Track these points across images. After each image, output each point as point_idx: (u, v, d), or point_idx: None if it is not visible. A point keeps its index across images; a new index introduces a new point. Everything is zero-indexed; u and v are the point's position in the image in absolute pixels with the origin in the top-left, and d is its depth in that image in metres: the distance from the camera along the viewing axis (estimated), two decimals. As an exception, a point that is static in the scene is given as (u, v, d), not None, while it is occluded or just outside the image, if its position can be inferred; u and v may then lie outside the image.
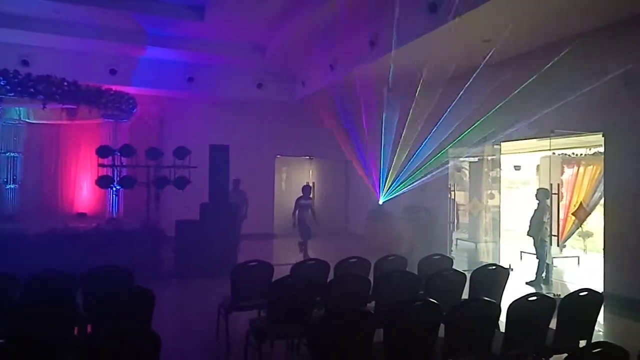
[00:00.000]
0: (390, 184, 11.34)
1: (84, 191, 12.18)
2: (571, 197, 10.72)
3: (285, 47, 10.89)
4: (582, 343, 3.81)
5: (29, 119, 10.92)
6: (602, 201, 8.91)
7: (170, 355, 2.85)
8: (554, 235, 8.46)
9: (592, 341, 3.80)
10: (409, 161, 10.99)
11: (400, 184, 11.21)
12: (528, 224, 8.55)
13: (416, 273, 5.09)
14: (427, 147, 10.96)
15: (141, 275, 4.70)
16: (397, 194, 11.17)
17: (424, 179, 10.60)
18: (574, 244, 11.31)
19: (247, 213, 10.84)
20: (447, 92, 10.28)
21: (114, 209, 11.13)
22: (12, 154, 11.24)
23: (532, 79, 8.48)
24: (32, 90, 8.64)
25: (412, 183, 10.84)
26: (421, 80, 10.38)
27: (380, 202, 11.40)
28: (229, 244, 8.70)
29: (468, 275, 4.83)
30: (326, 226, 14.36)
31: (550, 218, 8.37)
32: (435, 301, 3.49)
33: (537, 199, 8.51)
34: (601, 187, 9.28)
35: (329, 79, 11.05)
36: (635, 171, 6.79)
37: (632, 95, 6.83)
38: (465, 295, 4.74)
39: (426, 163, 10.67)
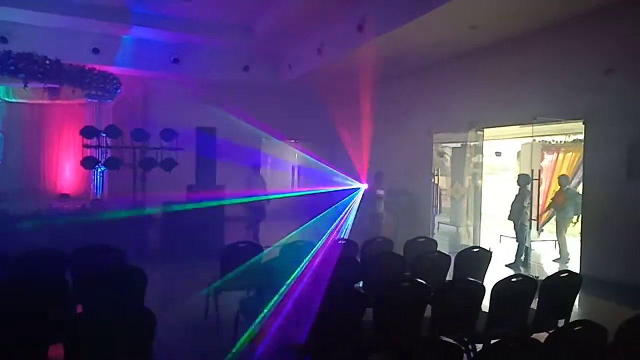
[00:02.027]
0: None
1: (66, 172, 12.01)
2: (550, 183, 10.99)
3: (273, 29, 10.81)
4: (561, 322, 3.99)
5: (9, 98, 10.67)
6: (579, 188, 9.16)
7: (160, 335, 2.89)
8: (534, 220, 8.68)
9: (570, 320, 3.99)
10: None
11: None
12: (509, 208, 8.76)
13: (402, 255, 5.20)
14: (412, 132, 11.09)
15: (127, 256, 4.70)
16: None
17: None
18: (551, 229, 11.60)
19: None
20: (433, 78, 10.39)
21: (98, 190, 11.01)
22: (-8, 134, 11.03)
23: (515, 65, 8.64)
24: (12, 68, 8.44)
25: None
26: (407, 66, 10.46)
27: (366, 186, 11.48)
28: (215, 226, 8.72)
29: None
30: (312, 208, 14.44)
31: (531, 203, 8.59)
32: (423, 281, 3.60)
33: (518, 184, 8.71)
34: (579, 174, 9.52)
35: (316, 63, 11.03)
36: (613, 158, 7.00)
37: (612, 83, 6.99)
38: (449, 276, 4.88)
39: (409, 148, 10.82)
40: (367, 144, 11.77)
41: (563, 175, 9.55)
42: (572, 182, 10.51)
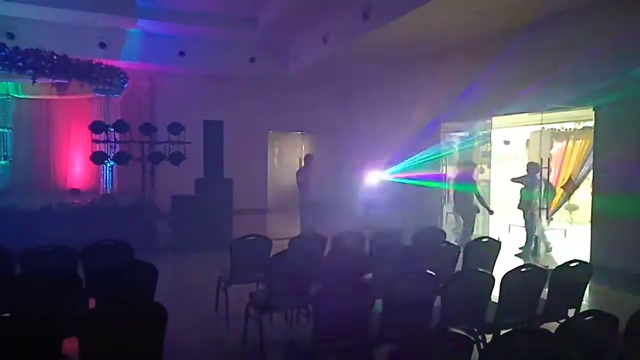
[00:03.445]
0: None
1: (76, 167, 12.10)
2: (559, 171, 10.90)
3: (278, 20, 10.76)
4: (571, 312, 3.98)
5: (18, 94, 10.74)
6: (589, 175, 9.08)
7: (171, 328, 2.92)
8: (543, 209, 8.62)
9: (581, 310, 3.98)
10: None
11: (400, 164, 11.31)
12: (518, 197, 8.72)
13: (411, 246, 5.20)
14: (419, 121, 11.04)
15: (137, 250, 4.74)
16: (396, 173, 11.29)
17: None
18: (560, 217, 11.54)
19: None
20: (440, 66, 10.30)
21: (107, 185, 11.10)
22: (1, 130, 11.10)
23: (524, 52, 8.54)
24: (20, 64, 8.49)
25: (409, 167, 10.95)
26: (414, 54, 10.38)
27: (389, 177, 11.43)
28: (224, 219, 8.77)
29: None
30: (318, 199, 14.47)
31: (540, 192, 8.53)
32: (432, 272, 3.60)
33: (527, 173, 8.65)
34: (589, 161, 9.43)
35: (322, 53, 10.97)
36: (624, 145, 6.92)
37: (622, 70, 6.89)
38: (458, 267, 4.87)
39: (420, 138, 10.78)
40: (376, 133, 11.75)
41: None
42: (582, 170, 10.43)
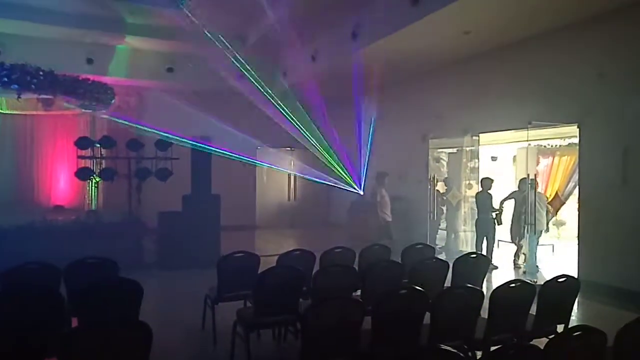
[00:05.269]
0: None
1: (60, 183, 11.95)
2: (546, 187, 11.01)
3: (266, 37, 10.82)
4: (560, 327, 3.97)
5: (2, 109, 10.60)
6: (575, 191, 9.18)
7: (157, 346, 2.85)
8: (532, 224, 8.67)
9: (569, 325, 3.97)
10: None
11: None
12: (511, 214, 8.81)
13: (400, 262, 5.18)
14: (407, 138, 11.11)
15: (123, 267, 4.67)
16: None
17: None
18: (547, 233, 11.61)
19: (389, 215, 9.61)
20: (427, 84, 10.43)
21: (92, 201, 10.95)
22: (-16, 145, 10.96)
23: (509, 70, 8.69)
24: (5, 79, 8.39)
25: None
26: (402, 72, 10.50)
27: (361, 193, 11.49)
28: (211, 235, 8.69)
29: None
30: (308, 216, 14.46)
31: (527, 208, 8.59)
32: (421, 289, 3.58)
33: (519, 188, 8.74)
34: (575, 177, 9.55)
35: (310, 70, 11.04)
36: (608, 161, 7.01)
37: (606, 86, 7.03)
38: (448, 283, 4.86)
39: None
40: (364, 150, 11.79)
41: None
42: (568, 186, 10.54)
